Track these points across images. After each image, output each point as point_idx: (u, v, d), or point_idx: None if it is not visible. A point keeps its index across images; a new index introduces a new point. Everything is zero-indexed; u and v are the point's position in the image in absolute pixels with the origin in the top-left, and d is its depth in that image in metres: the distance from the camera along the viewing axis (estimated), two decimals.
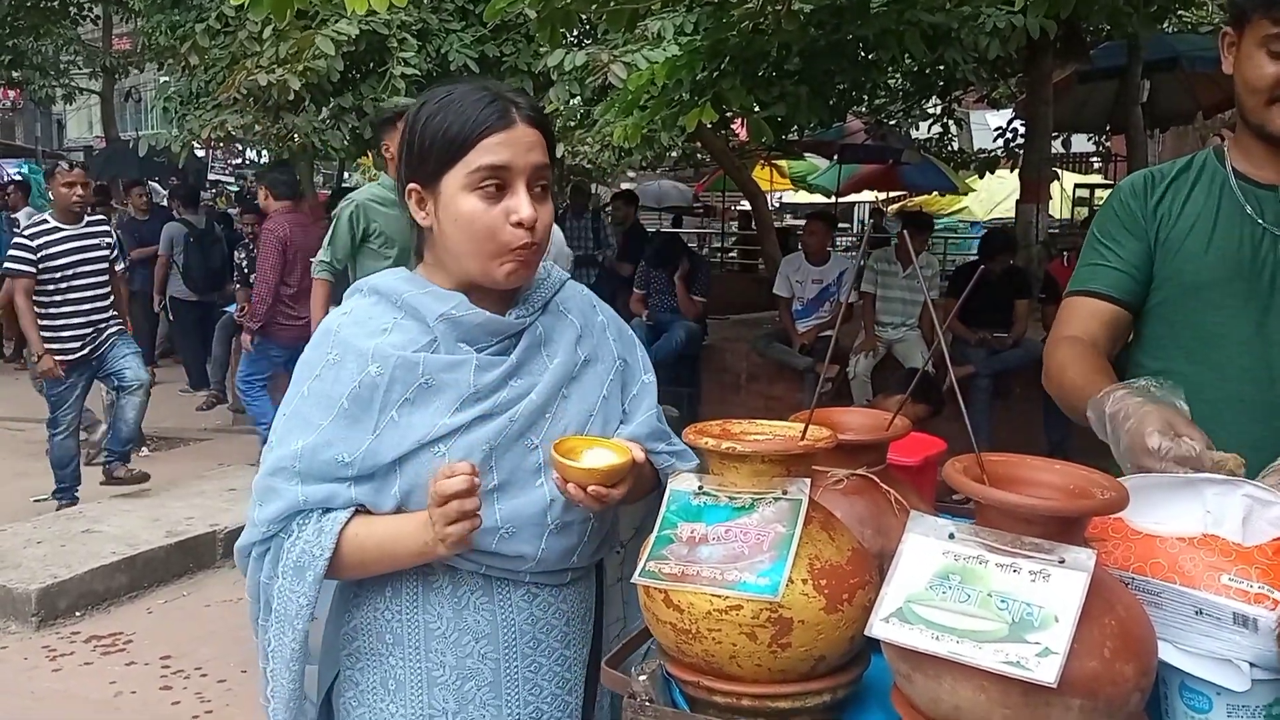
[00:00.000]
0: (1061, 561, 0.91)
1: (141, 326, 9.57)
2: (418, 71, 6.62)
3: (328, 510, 1.32)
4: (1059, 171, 10.85)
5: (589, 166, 10.66)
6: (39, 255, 5.27)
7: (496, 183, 1.29)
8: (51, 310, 5.34)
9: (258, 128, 6.86)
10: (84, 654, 4.02)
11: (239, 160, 20.57)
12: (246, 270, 8.10)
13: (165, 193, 12.14)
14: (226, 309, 8.20)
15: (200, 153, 14.95)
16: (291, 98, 6.16)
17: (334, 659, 1.43)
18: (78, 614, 4.37)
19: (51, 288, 5.32)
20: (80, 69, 15.34)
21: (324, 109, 6.93)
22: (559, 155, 10.83)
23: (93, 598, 4.47)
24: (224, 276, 8.65)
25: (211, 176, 17.35)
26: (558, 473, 1.28)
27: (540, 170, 1.32)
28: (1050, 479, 1.01)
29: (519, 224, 1.29)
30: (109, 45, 15.13)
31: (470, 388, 1.32)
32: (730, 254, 14.76)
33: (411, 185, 1.34)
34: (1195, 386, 1.61)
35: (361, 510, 1.33)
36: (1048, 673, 0.86)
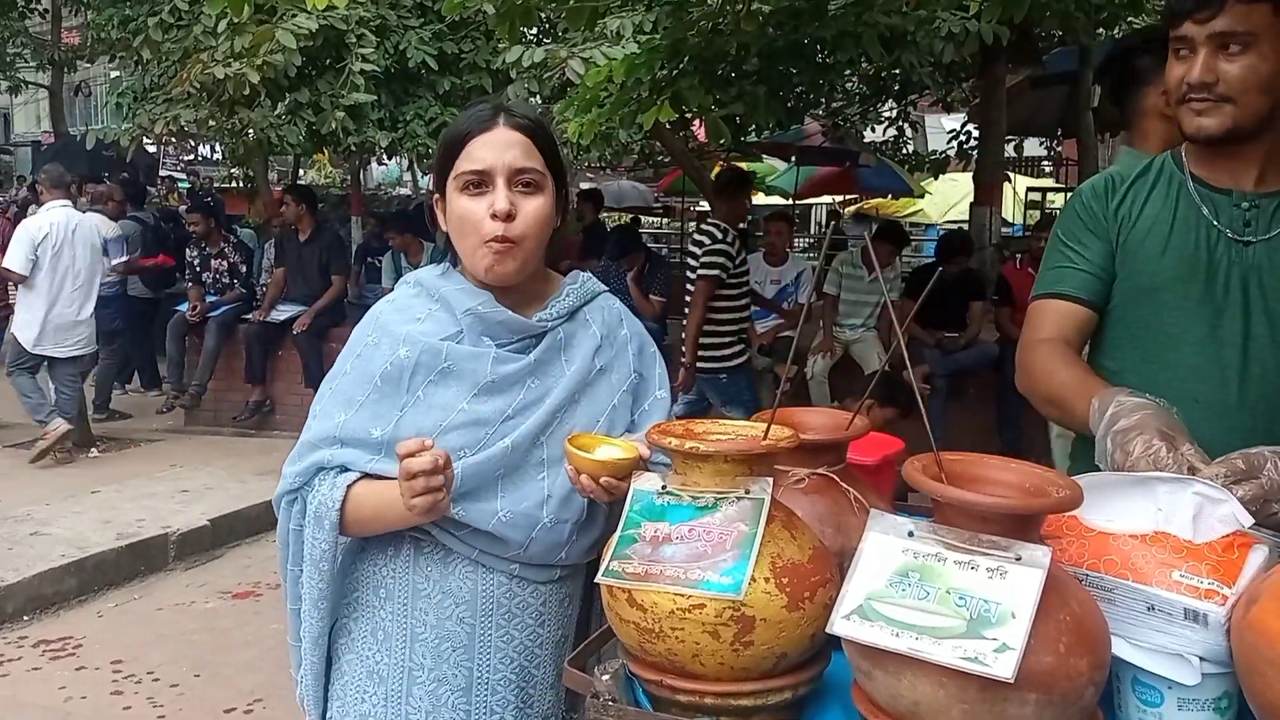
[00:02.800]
0: (1018, 559, 0.93)
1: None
2: (376, 68, 6.56)
3: (344, 470, 1.45)
4: (1011, 175, 11.01)
5: None
6: None
7: (477, 181, 1.42)
8: None
9: (212, 122, 6.76)
10: (32, 659, 3.94)
11: (191, 156, 20.22)
12: (198, 268, 8.00)
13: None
14: (178, 307, 8.07)
15: (152, 148, 14.69)
16: (248, 92, 6.07)
17: (334, 607, 1.54)
18: (25, 618, 4.28)
19: None
20: (27, 62, 14.99)
21: (280, 104, 6.84)
22: None
23: (41, 601, 4.38)
24: (173, 274, 8.52)
25: (163, 173, 17.03)
26: (571, 464, 1.33)
27: (521, 169, 1.43)
28: (1007, 477, 1.02)
29: (494, 216, 1.41)
30: (58, 38, 14.80)
31: (487, 376, 1.44)
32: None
33: (436, 195, 1.51)
34: (1150, 386, 1.64)
35: (373, 478, 1.45)
36: (1005, 668, 0.87)
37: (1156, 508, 1.08)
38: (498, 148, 1.42)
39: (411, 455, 1.30)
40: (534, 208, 1.44)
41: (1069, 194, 1.90)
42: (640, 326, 1.63)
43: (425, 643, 1.47)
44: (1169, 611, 1.02)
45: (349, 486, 1.44)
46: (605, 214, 11.91)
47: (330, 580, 1.49)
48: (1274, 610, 0.90)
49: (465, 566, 1.47)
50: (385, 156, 10.19)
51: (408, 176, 16.86)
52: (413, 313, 1.50)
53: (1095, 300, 1.71)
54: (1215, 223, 1.63)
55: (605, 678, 1.09)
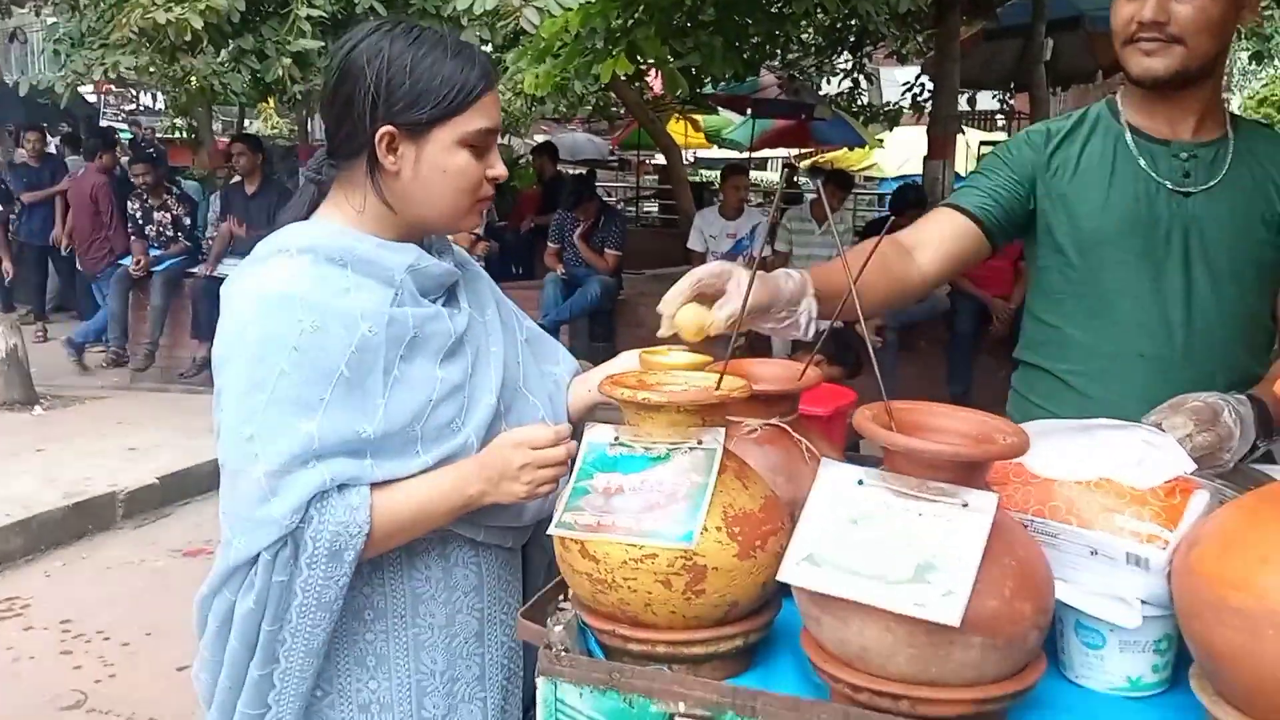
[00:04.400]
0: (965, 505, 0.94)
1: (30, 277, 9.16)
2: (323, 13, 6.39)
3: (343, 487, 1.23)
4: (964, 128, 11.06)
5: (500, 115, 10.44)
6: None
7: (486, 142, 1.33)
8: None
9: (152, 70, 6.54)
10: None
11: (133, 106, 19.63)
12: (141, 221, 7.81)
13: (55, 140, 11.53)
14: (121, 260, 7.88)
15: (92, 98, 14.22)
16: (190, 38, 5.88)
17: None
18: None
19: None
20: None
21: (223, 51, 6.65)
22: None
23: None
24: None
25: (103, 123, 16.52)
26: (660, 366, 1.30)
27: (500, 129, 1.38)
28: (955, 425, 1.03)
29: (492, 179, 1.35)
30: None
31: (451, 335, 1.33)
32: (648, 208, 14.72)
33: (387, 128, 1.27)
34: (1094, 341, 1.66)
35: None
36: (951, 613, 0.89)
37: (1101, 453, 1.10)
38: (497, 110, 1.35)
39: (547, 447, 1.27)
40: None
41: None
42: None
43: (433, 646, 1.37)
44: (1111, 556, 1.04)
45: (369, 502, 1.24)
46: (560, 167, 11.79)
47: (334, 620, 1.27)
48: (1214, 554, 0.92)
49: (467, 554, 1.39)
50: None
51: None
52: (334, 285, 1.26)
53: (982, 215, 1.68)
54: (1154, 175, 1.63)
55: (558, 628, 1.09)
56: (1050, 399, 1.71)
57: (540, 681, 1.08)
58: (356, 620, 1.33)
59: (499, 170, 1.36)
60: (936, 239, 1.69)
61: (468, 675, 1.40)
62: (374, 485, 1.25)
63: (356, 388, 1.24)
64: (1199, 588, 0.92)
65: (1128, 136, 1.66)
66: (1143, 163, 1.63)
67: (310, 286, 1.24)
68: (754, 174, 14.87)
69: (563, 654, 1.07)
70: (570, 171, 11.85)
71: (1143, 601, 1.03)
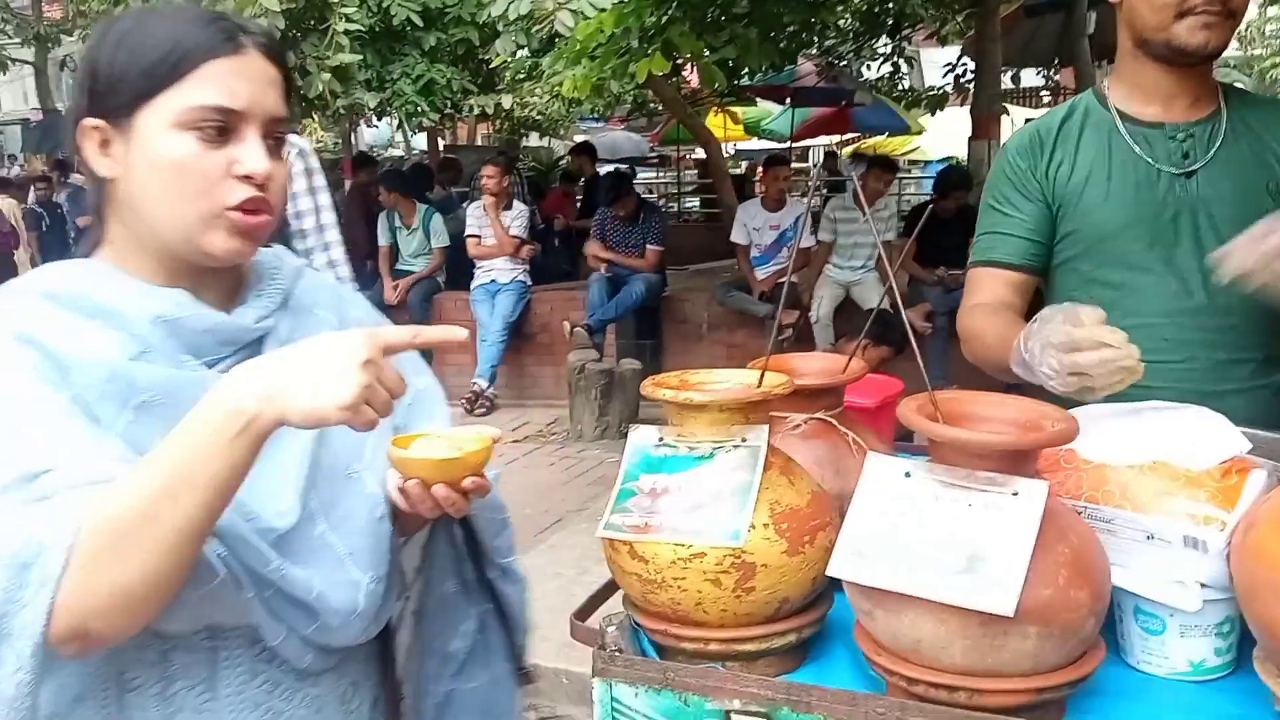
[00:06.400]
0: (1015, 494, 0.93)
1: None
2: (360, 27, 6.48)
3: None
4: (1008, 107, 10.90)
5: (539, 119, 10.52)
6: None
7: (220, 124, 0.97)
8: None
9: None
10: None
11: None
12: None
13: None
14: None
15: None
16: None
17: None
18: None
19: None
20: (10, 38, 14.85)
21: None
22: (508, 107, 10.69)
23: None
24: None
25: None
26: (404, 473, 0.99)
27: (278, 119, 1.02)
28: (1002, 413, 1.02)
29: (246, 178, 0.99)
30: (39, 13, 14.65)
31: None
32: (690, 204, 14.70)
33: (91, 122, 0.99)
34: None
35: None
36: (1005, 603, 0.88)
37: (1154, 437, 1.08)
38: (254, 83, 0.99)
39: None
40: (283, 174, 1.03)
41: None
42: (367, 305, 1.23)
43: None
44: (1168, 539, 1.02)
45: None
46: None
47: None
48: (1272, 534, 0.90)
49: (239, 678, 1.00)
50: (375, 118, 10.11)
51: (399, 137, 16.75)
52: (58, 328, 0.95)
53: (1030, 263, 1.67)
54: (1153, 162, 1.59)
55: (611, 629, 1.10)
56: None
57: (596, 683, 1.09)
58: None
59: (253, 165, 0.98)
60: (1002, 297, 1.67)
61: None
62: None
63: (83, 419, 0.91)
64: (1258, 568, 0.90)
65: (1120, 125, 1.62)
66: (1139, 150, 1.60)
67: (25, 320, 0.95)
68: (798, 164, 14.80)
69: (617, 655, 1.08)
70: (608, 169, 11.92)
71: (1202, 584, 1.01)
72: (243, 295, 1.07)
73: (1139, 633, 1.06)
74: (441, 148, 13.30)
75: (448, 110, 8.30)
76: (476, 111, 8.82)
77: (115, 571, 0.83)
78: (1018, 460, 0.95)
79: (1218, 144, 1.59)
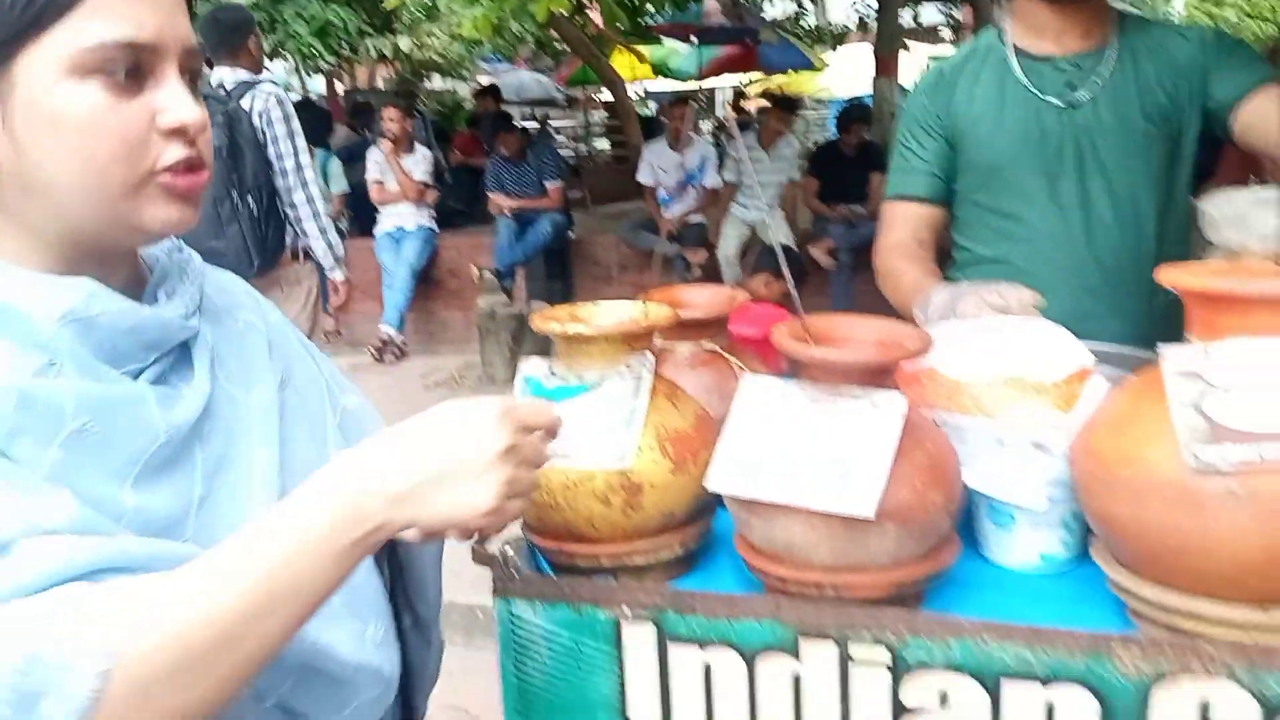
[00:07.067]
0: (875, 405, 1.00)
1: None
2: None
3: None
4: (909, 43, 11.05)
5: (440, 61, 10.29)
6: None
7: (130, 64, 0.76)
8: None
9: None
10: None
11: None
12: None
13: None
14: None
15: None
16: None
17: None
18: None
19: None
20: None
21: None
22: (406, 49, 10.37)
23: None
24: None
25: None
26: None
27: (194, 51, 0.81)
28: (865, 334, 1.10)
29: (178, 131, 0.78)
30: None
31: (157, 435, 0.77)
32: (600, 145, 14.61)
33: None
34: (1005, 258, 1.74)
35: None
36: (865, 507, 0.96)
37: (1006, 349, 1.17)
38: (160, 5, 0.77)
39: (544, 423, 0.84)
40: (207, 116, 0.81)
41: None
42: (270, 304, 1.03)
43: None
44: (1016, 443, 1.11)
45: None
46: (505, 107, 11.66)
47: None
48: (1105, 435, 0.99)
49: None
50: (268, 60, 9.77)
51: (295, 81, 16.21)
52: None
53: (939, 196, 1.78)
54: (1040, 93, 1.68)
55: (508, 549, 1.15)
56: None
57: (496, 602, 1.15)
58: None
59: (182, 114, 0.78)
60: (917, 233, 1.77)
61: None
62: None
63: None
64: (1093, 466, 1.00)
65: (1012, 60, 1.71)
66: (1027, 82, 1.69)
67: None
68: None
69: (515, 574, 1.13)
70: (514, 112, 11.74)
71: (1049, 483, 1.11)
72: (151, 289, 0.85)
73: (992, 528, 1.15)
74: (341, 92, 12.93)
75: (344, 53, 8.08)
76: (375, 54, 8.61)
77: (173, 702, 0.64)
78: (878, 375, 1.03)
79: (1107, 75, 1.66)
